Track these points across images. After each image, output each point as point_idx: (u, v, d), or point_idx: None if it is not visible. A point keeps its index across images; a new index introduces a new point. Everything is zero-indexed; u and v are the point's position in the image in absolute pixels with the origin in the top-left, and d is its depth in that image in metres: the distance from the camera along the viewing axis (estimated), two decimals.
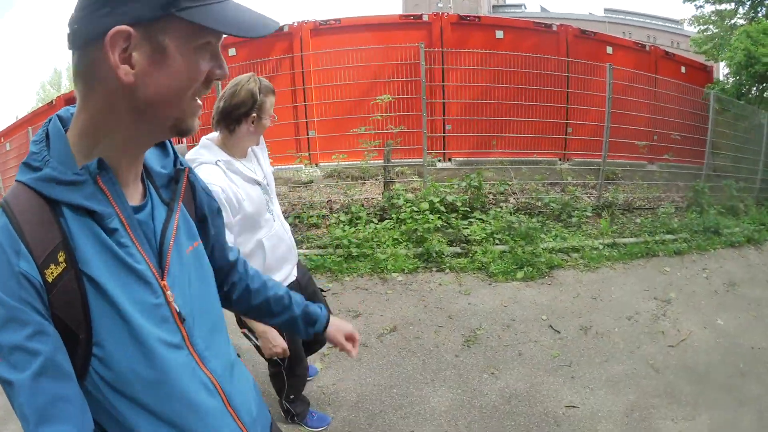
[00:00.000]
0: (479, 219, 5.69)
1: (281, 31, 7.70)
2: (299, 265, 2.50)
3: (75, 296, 0.73)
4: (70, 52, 0.75)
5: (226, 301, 1.19)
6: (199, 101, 0.80)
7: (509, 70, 7.07)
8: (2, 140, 13.52)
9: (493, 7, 61.01)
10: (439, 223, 5.45)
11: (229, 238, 1.87)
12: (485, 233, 5.41)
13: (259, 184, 2.15)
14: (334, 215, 5.85)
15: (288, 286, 2.21)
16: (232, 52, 7.83)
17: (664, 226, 5.92)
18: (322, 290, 2.71)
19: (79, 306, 0.73)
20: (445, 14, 7.76)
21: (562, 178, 7.17)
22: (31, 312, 0.69)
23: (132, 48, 0.70)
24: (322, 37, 7.63)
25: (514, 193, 6.64)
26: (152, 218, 0.86)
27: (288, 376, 2.57)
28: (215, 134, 2.10)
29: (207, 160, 2.01)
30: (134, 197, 0.84)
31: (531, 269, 4.83)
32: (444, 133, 7.43)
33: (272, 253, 2.22)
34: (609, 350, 3.59)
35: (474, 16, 8.08)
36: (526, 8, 56.54)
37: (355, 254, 5.10)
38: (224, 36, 0.78)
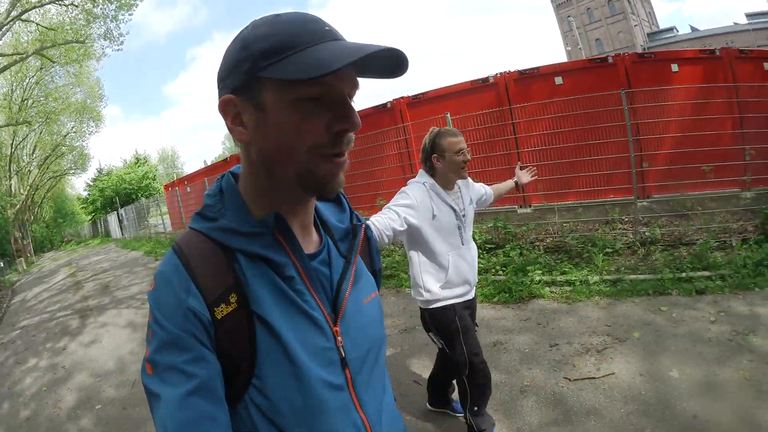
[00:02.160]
0: (501, 255, 6.47)
1: (385, 108, 9.54)
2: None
3: (243, 333, 0.78)
4: None
5: None
6: (338, 159, 0.79)
7: (567, 114, 7.37)
8: (186, 183, 18.85)
9: (648, 35, 57.90)
10: None
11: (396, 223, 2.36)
12: (489, 265, 6.22)
13: (454, 210, 2.60)
14: None
15: (465, 302, 2.68)
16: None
17: (699, 261, 5.28)
18: (476, 325, 2.88)
19: (246, 342, 0.78)
20: (508, 72, 8.41)
21: (610, 215, 7.12)
22: (193, 341, 0.74)
23: (241, 111, 0.79)
24: (416, 109, 9.22)
25: (555, 234, 7.03)
26: (329, 267, 0.91)
27: (469, 385, 2.74)
28: None
29: (418, 180, 2.62)
30: (308, 246, 0.90)
31: (507, 295, 5.29)
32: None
33: (455, 269, 2.59)
34: (493, 364, 3.57)
35: (533, 69, 8.53)
36: (678, 31, 53.82)
37: (387, 274, 6.75)
38: (340, 83, 0.76)
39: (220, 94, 0.80)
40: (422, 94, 9.37)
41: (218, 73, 0.82)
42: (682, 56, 8.03)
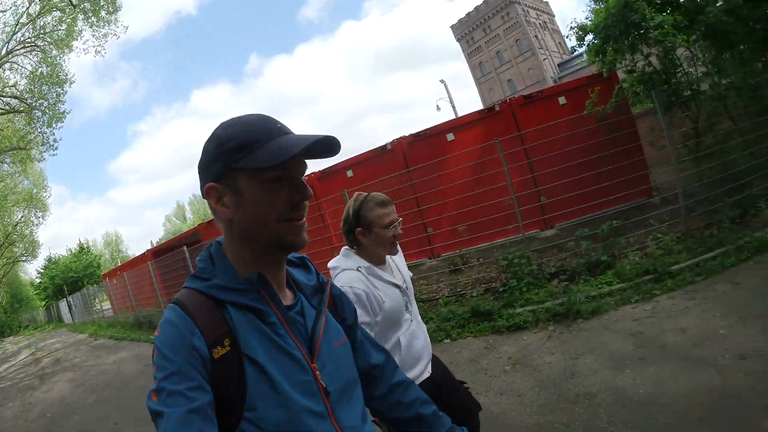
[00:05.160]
0: None
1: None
2: (435, 361, 2.44)
3: (235, 371, 0.95)
4: None
5: (367, 399, 1.28)
6: (298, 222, 1.03)
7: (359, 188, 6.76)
8: (119, 273, 20.88)
9: (558, 65, 59.82)
10: None
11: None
12: None
13: (398, 287, 2.23)
14: None
15: (422, 382, 2.22)
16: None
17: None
18: (463, 383, 2.54)
19: (237, 379, 0.95)
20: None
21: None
22: (195, 372, 0.91)
23: (223, 194, 1.00)
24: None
25: None
26: (303, 317, 1.11)
27: None
28: None
29: (348, 266, 2.16)
30: (284, 300, 1.10)
31: None
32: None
33: (407, 350, 2.22)
34: None
35: (331, 167, 9.72)
36: (585, 57, 53.01)
37: None
38: (294, 166, 1.01)
39: (203, 182, 1.03)
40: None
41: (199, 164, 1.04)
42: (459, 123, 8.85)
